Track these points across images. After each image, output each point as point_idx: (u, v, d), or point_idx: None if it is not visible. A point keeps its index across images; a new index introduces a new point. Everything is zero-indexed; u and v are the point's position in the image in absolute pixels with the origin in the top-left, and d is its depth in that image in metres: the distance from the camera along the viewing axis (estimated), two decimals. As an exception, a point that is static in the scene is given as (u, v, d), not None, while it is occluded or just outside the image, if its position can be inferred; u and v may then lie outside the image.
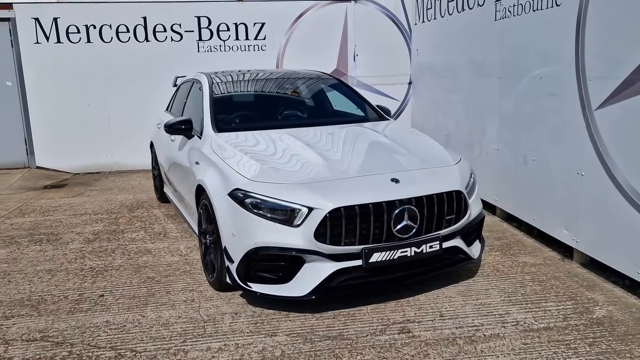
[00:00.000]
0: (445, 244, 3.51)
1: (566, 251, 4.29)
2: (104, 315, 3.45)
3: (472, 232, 3.81)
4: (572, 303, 3.45)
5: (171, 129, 4.46)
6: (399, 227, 3.26)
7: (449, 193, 3.45)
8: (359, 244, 3.22)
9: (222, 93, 4.78)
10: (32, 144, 8.34)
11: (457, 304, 3.47)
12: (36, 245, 4.93)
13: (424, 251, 3.35)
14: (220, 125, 4.34)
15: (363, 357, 2.89)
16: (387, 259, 3.25)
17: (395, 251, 3.27)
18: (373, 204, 3.20)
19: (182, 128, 4.47)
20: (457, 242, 3.60)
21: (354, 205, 3.18)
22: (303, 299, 3.25)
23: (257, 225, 3.25)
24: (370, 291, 3.56)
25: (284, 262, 3.25)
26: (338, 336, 3.10)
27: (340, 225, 3.17)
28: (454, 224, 3.51)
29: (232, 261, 3.36)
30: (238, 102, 4.93)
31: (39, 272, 4.23)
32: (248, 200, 3.30)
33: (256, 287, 3.29)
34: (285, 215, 3.21)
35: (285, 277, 3.27)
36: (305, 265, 3.24)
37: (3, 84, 8.21)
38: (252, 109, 4.90)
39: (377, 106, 5.16)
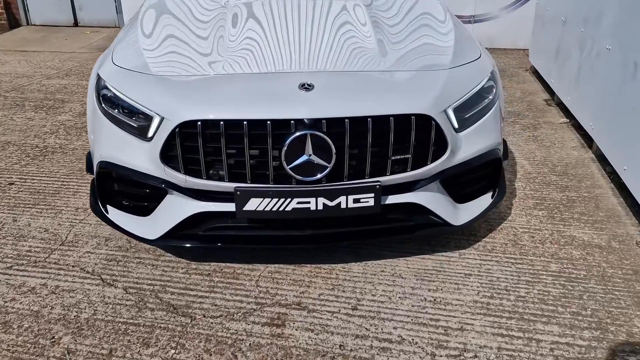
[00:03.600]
0: (393, 199, 2.18)
1: (660, 231, 2.60)
2: (-19, 211, 2.89)
3: (468, 183, 2.37)
4: (593, 335, 1.97)
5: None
6: (296, 163, 2.02)
7: (402, 117, 2.04)
8: (230, 181, 2.08)
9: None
10: (121, 1, 8.00)
11: (398, 291, 2.21)
12: (33, 112, 4.57)
13: (343, 206, 2.09)
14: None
15: (176, 353, 1.91)
16: (273, 209, 2.07)
17: (289, 200, 2.06)
18: (250, 120, 1.98)
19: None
20: (422, 196, 2.22)
21: (219, 120, 1.99)
22: (153, 244, 2.28)
23: (108, 131, 2.26)
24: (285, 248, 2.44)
25: (140, 188, 2.27)
26: (181, 308, 2.13)
27: (197, 147, 2.03)
28: (414, 168, 2.13)
29: (92, 173, 2.47)
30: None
31: (-4, 144, 3.84)
32: (104, 93, 2.30)
33: (113, 215, 2.38)
34: (146, 122, 2.15)
35: (145, 208, 2.31)
36: (168, 197, 2.23)
37: None
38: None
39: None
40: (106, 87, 2.28)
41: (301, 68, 2.20)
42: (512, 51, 6.44)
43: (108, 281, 2.30)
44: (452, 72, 2.26)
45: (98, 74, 2.36)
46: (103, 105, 2.28)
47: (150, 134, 2.12)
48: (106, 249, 2.53)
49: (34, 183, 3.22)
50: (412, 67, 2.29)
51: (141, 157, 2.15)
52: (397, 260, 2.42)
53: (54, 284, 2.29)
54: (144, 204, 2.30)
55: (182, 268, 2.37)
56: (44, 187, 3.17)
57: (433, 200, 2.25)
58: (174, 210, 2.20)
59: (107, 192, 2.38)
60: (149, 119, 2.12)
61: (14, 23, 8.44)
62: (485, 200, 2.46)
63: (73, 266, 2.40)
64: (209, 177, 2.08)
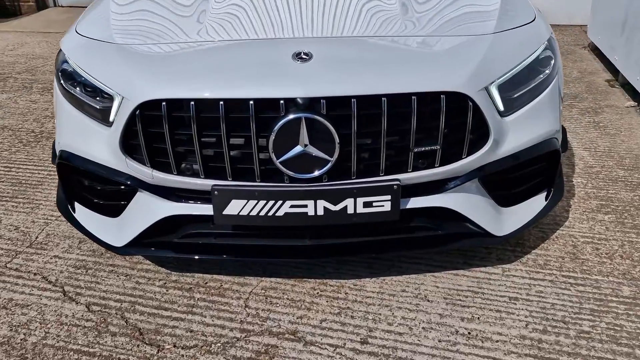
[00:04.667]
0: (417, 202, 1.70)
1: None
2: (-47, 204, 2.57)
3: (516, 181, 1.86)
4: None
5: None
6: (288, 155, 1.56)
7: (428, 95, 1.55)
8: (207, 177, 1.64)
9: None
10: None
11: (422, 319, 1.74)
12: (39, 95, 4.28)
13: (351, 211, 1.62)
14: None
15: (131, 398, 1.50)
16: (261, 214, 1.62)
17: (280, 203, 1.61)
18: (227, 100, 1.53)
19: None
20: (456, 199, 1.73)
21: (188, 100, 1.55)
22: (119, 252, 1.87)
23: (67, 114, 1.88)
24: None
25: (105, 184, 1.87)
26: (149, 333, 1.72)
27: (164, 134, 1.60)
28: (444, 163, 1.64)
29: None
30: None
31: (-9, 129, 3.54)
32: (63, 68, 1.90)
33: (80, 214, 1.98)
34: (108, 103, 1.74)
35: (114, 207, 1.91)
36: (138, 196, 1.82)
37: None
38: None
39: None
40: (66, 61, 1.88)
41: (297, 33, 1.73)
42: (567, 27, 5.75)
43: (70, 294, 1.91)
44: (497, 37, 1.74)
45: (60, 47, 1.97)
46: (62, 82, 1.88)
47: (112, 118, 1.70)
48: (77, 253, 2.15)
49: (18, 172, 2.89)
50: (443, 32, 1.78)
51: (101, 146, 1.74)
52: (422, 276, 1.94)
53: (8, 296, 1.92)
54: (112, 203, 1.90)
55: (160, 280, 1.97)
56: (28, 177, 2.83)
57: (469, 204, 1.76)
58: (144, 212, 1.79)
59: (71, 187, 1.98)
60: (110, 99, 1.71)
61: (41, 4, 8.28)
62: (537, 203, 1.94)
63: (35, 274, 2.03)
64: (180, 172, 1.66)
